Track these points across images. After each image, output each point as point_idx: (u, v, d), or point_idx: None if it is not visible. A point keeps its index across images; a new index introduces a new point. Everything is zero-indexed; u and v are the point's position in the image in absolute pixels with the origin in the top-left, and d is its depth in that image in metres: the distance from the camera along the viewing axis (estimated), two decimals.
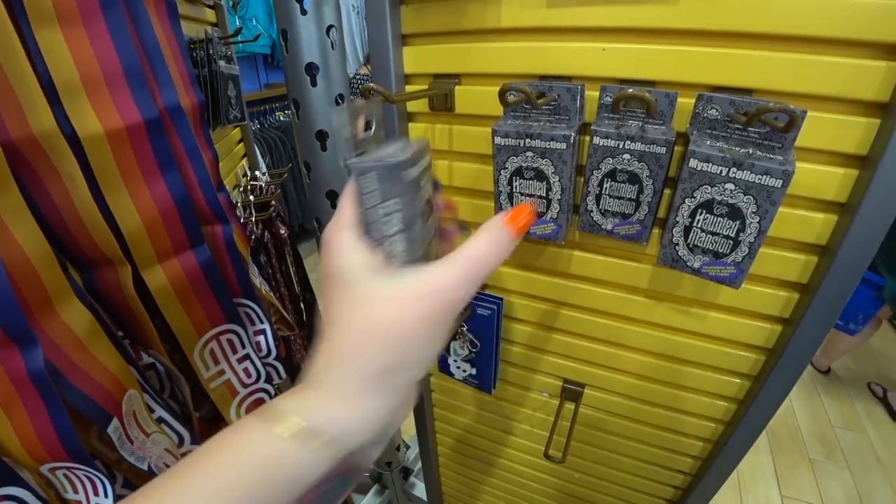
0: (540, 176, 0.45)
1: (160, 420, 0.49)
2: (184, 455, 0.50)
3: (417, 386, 0.29)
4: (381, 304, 0.26)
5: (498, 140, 0.45)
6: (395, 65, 0.52)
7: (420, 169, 0.30)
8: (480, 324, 0.59)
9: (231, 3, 2.56)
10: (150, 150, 0.43)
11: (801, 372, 0.48)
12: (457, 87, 0.50)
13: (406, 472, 1.22)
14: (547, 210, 0.47)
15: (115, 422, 0.40)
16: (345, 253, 0.28)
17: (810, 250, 0.44)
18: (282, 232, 1.05)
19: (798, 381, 0.49)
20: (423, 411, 0.82)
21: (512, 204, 0.49)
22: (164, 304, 0.48)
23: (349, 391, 0.26)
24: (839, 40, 0.36)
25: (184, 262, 0.48)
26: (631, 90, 0.38)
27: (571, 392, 0.65)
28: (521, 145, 0.44)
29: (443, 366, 0.69)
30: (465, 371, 0.66)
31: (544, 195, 0.46)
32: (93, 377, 0.40)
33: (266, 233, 0.96)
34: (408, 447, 1.25)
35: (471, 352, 0.63)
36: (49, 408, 0.36)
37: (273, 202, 1.05)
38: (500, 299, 0.59)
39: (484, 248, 0.28)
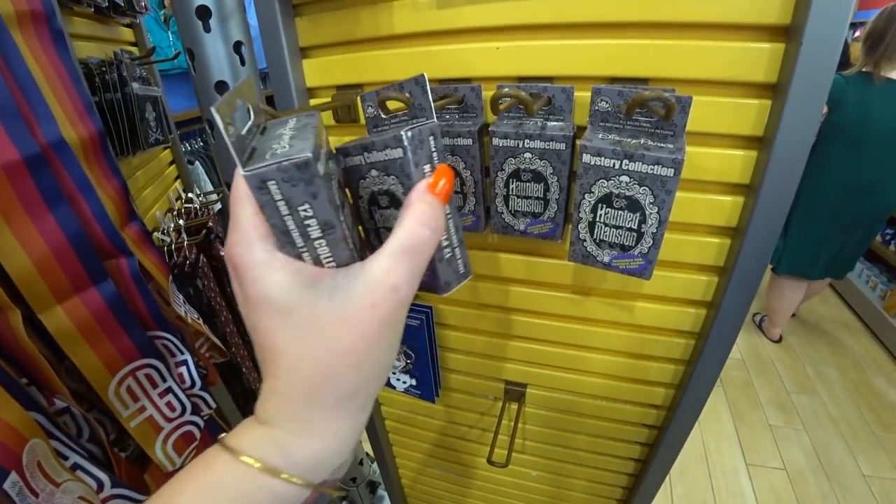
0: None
1: (76, 467, 0.46)
2: (105, 501, 0.48)
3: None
4: (334, 325, 0.24)
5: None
6: (296, 79, 0.51)
7: (326, 155, 0.26)
8: (412, 334, 0.59)
9: (162, 17, 2.47)
10: (34, 187, 0.41)
11: (728, 352, 0.49)
12: (359, 97, 0.49)
13: (373, 486, 1.21)
14: (464, 203, 0.47)
15: (12, 476, 0.38)
16: (266, 276, 0.24)
17: (723, 233, 0.46)
18: (221, 253, 1.02)
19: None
20: (374, 427, 0.81)
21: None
22: (68, 345, 0.45)
23: (318, 422, 0.25)
24: (726, 25, 0.37)
25: (86, 299, 0.45)
26: (506, 89, 0.39)
27: (514, 393, 0.66)
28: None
29: None
30: (405, 382, 0.65)
31: (459, 190, 0.46)
32: None
33: (202, 256, 0.93)
34: (372, 460, 1.24)
35: (407, 363, 0.62)
36: None
37: (210, 223, 1.02)
38: (430, 308, 0.59)
39: (418, 231, 0.25)
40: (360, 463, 1.16)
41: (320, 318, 0.24)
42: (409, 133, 0.27)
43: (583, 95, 0.41)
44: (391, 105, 0.39)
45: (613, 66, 0.41)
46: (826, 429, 2.00)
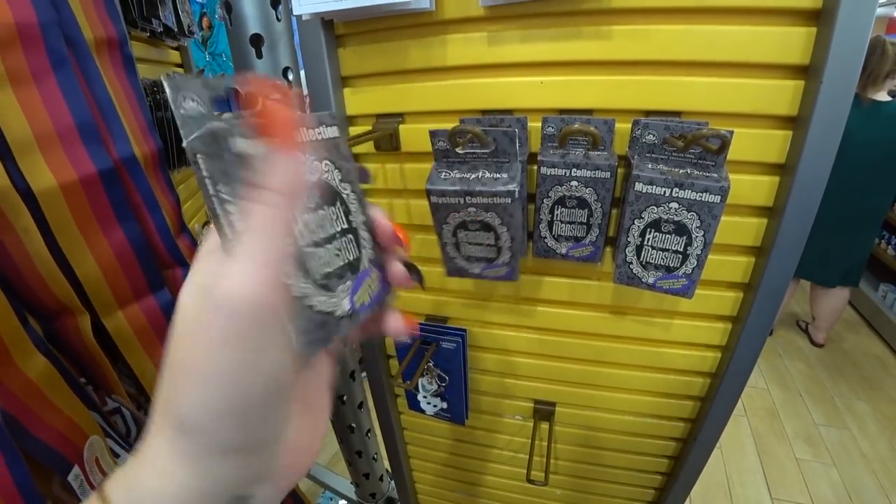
0: (486, 227, 0.45)
1: None
2: None
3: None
4: (177, 334, 0.19)
5: (434, 199, 0.43)
6: (337, 107, 0.53)
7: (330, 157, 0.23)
8: (447, 357, 0.60)
9: (201, 39, 2.58)
10: (106, 200, 0.44)
11: (753, 364, 0.51)
12: (401, 126, 0.52)
13: (391, 503, 1.21)
14: (498, 256, 0.47)
15: (75, 469, 0.41)
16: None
17: (749, 252, 0.48)
18: None
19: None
20: (394, 445, 0.82)
21: (460, 251, 0.48)
22: (125, 348, 0.48)
23: (155, 449, 0.20)
24: (752, 64, 0.41)
25: (144, 306, 0.48)
26: (577, 125, 0.41)
27: (543, 412, 0.67)
28: (462, 202, 0.43)
29: (412, 403, 0.69)
30: (435, 406, 0.66)
31: (493, 244, 0.46)
32: (53, 426, 0.41)
33: None
34: (391, 477, 1.24)
35: (440, 386, 0.64)
36: (7, 458, 0.36)
37: None
38: (464, 330, 0.61)
39: (261, 215, 0.19)
40: (381, 479, 1.17)
41: (176, 325, 0.20)
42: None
43: (622, 127, 0.44)
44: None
45: (649, 100, 0.44)
46: (857, 465, 1.93)
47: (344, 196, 0.25)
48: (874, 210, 2.17)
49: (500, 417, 0.71)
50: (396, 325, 0.27)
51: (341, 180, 0.25)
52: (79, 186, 0.42)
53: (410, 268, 0.26)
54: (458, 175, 0.43)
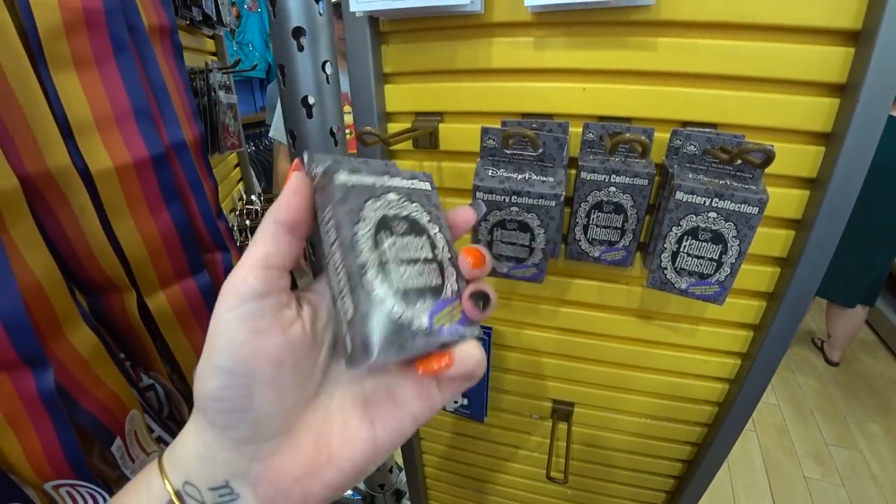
0: (524, 228, 0.46)
1: (159, 439, 0.50)
2: None
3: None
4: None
5: (480, 195, 0.45)
6: (378, 103, 0.54)
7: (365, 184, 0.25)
8: None
9: (229, 29, 2.64)
10: (156, 182, 0.46)
11: (773, 372, 0.52)
12: (440, 125, 0.52)
13: (399, 495, 1.23)
14: (529, 257, 0.48)
15: (118, 441, 0.42)
16: None
17: (776, 262, 0.49)
18: None
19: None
20: (410, 446, 0.83)
21: (491, 249, 0.48)
22: (165, 327, 0.50)
23: (192, 418, 0.24)
24: (788, 80, 0.42)
25: (185, 287, 0.50)
26: (628, 133, 0.42)
27: (562, 412, 0.67)
28: (507, 201, 0.44)
29: None
30: (456, 402, 0.67)
31: (527, 244, 0.47)
32: (98, 398, 0.42)
33: None
34: (401, 469, 1.26)
35: None
36: (57, 427, 0.38)
37: None
38: (490, 328, 0.61)
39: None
40: (390, 471, 1.18)
41: None
42: None
43: (659, 136, 0.45)
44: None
45: (686, 111, 0.45)
46: (866, 487, 1.91)
47: (431, 234, 0.27)
48: (894, 229, 2.15)
49: (517, 415, 0.72)
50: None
51: (429, 221, 0.27)
52: (132, 169, 0.44)
53: (478, 296, 0.26)
54: (504, 174, 0.44)
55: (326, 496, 0.24)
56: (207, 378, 0.22)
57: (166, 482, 0.23)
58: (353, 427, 0.25)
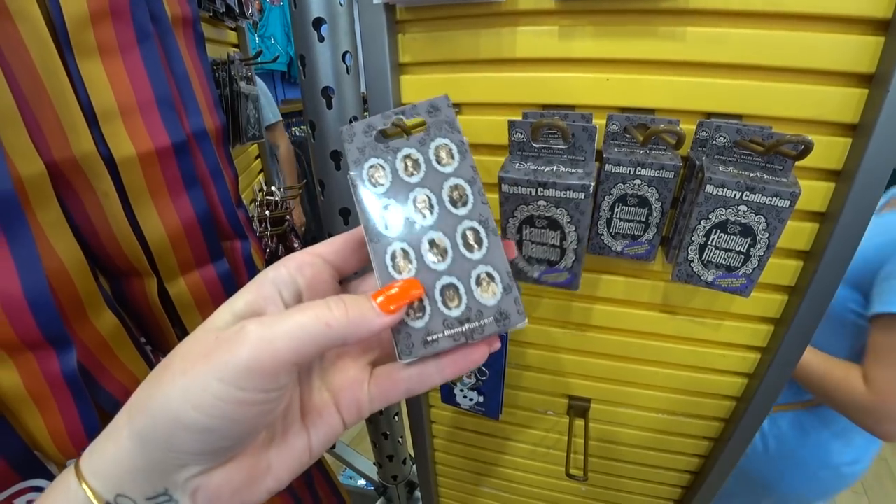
0: (554, 225, 0.44)
1: None
2: None
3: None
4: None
5: (506, 188, 0.43)
6: (394, 94, 0.53)
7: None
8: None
9: (251, 22, 2.66)
10: (177, 170, 0.46)
11: (793, 367, 0.51)
12: (458, 117, 0.52)
13: (411, 487, 1.23)
14: (561, 259, 0.46)
15: None
16: None
17: (799, 256, 0.48)
18: (295, 245, 1.09)
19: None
20: (422, 430, 0.83)
21: (521, 251, 0.47)
22: (184, 313, 0.51)
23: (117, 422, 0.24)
24: (814, 70, 0.41)
25: (204, 274, 0.51)
26: (662, 125, 0.41)
27: (578, 408, 0.67)
28: (533, 194, 0.43)
29: (447, 396, 0.69)
30: (471, 400, 0.67)
31: (557, 244, 0.45)
32: (119, 379, 0.43)
33: (280, 247, 0.99)
34: (413, 461, 1.26)
35: (478, 380, 0.64)
36: (79, 406, 0.39)
37: (287, 217, 1.08)
38: None
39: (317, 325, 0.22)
40: (403, 463, 1.19)
41: None
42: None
43: (686, 128, 0.44)
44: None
45: (712, 101, 0.44)
46: (890, 495, 1.86)
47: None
48: None
49: (531, 412, 0.72)
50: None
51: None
52: (154, 156, 0.44)
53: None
54: (531, 167, 0.43)
55: (263, 501, 0.25)
56: (183, 428, 0.21)
57: (91, 494, 0.22)
58: (291, 437, 0.26)
